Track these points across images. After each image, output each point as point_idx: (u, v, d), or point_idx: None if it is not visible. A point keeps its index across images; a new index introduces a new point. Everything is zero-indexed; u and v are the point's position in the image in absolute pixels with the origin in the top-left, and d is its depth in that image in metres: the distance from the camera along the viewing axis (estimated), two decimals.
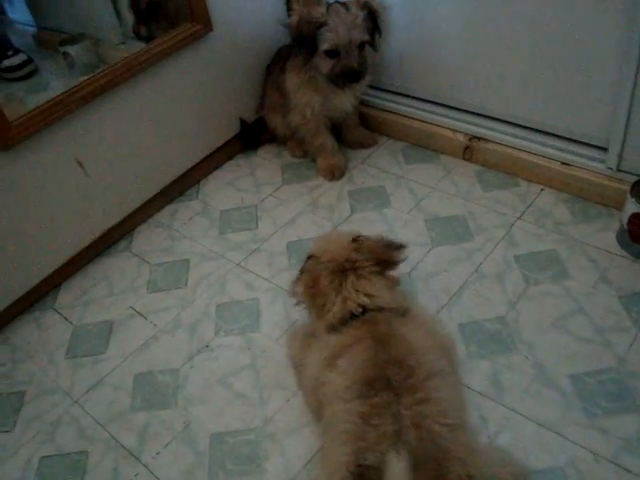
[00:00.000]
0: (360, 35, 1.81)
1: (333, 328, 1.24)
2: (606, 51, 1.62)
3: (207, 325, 1.69)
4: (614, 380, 1.38)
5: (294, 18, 1.86)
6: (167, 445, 1.43)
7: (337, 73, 1.85)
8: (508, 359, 1.47)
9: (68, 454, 1.45)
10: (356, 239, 1.33)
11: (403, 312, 1.26)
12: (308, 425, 1.40)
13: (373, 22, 1.85)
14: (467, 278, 1.68)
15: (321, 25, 1.80)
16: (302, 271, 1.36)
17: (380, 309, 1.24)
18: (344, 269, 1.28)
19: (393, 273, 1.35)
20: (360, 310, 1.23)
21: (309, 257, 1.36)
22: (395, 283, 1.36)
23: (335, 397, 1.12)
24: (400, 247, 1.35)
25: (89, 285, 1.88)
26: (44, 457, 1.45)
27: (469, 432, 1.12)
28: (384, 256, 1.32)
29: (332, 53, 1.84)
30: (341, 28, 1.79)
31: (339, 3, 1.82)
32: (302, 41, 1.86)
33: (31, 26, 2.20)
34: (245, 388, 1.52)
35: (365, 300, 1.24)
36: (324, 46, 1.82)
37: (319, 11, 1.82)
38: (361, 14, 1.81)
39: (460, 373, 1.35)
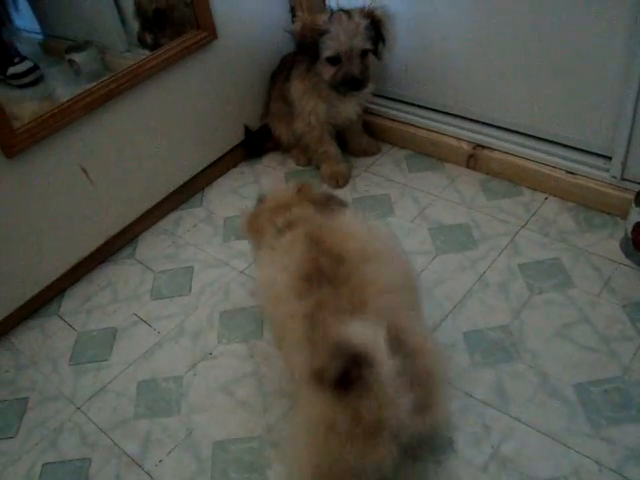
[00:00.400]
0: (362, 43, 1.82)
1: (275, 236, 1.34)
2: (610, 59, 1.63)
3: (210, 332, 1.69)
4: (619, 389, 1.38)
5: (297, 25, 1.87)
6: (170, 452, 1.43)
7: (338, 80, 1.86)
8: (512, 368, 1.46)
9: (71, 461, 1.45)
10: (300, 189, 1.45)
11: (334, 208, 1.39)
12: None
13: (377, 31, 1.86)
14: (471, 286, 1.67)
15: (323, 32, 1.81)
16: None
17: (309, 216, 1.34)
18: (280, 207, 1.40)
19: None
20: (286, 223, 1.34)
21: (259, 200, 1.51)
22: None
23: (282, 299, 1.19)
24: (340, 203, 1.45)
25: (93, 292, 1.88)
26: (47, 464, 1.45)
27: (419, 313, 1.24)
28: (320, 204, 1.41)
29: (333, 60, 1.84)
30: (342, 36, 1.80)
31: (343, 11, 1.83)
32: (304, 48, 1.87)
33: (37, 34, 2.22)
34: (248, 396, 1.51)
35: (290, 217, 1.35)
36: (326, 53, 1.83)
37: (322, 18, 1.83)
38: (364, 22, 1.81)
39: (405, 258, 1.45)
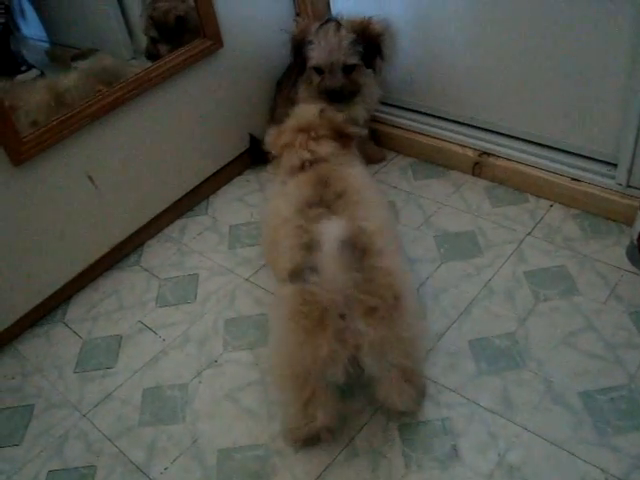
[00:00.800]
0: (343, 58, 1.83)
1: (289, 173, 1.49)
2: (615, 67, 1.63)
3: (216, 340, 1.69)
4: (625, 397, 1.37)
5: (295, 30, 1.90)
6: (175, 460, 1.43)
7: (321, 90, 1.89)
8: (518, 376, 1.46)
9: (76, 468, 1.45)
10: (322, 110, 1.59)
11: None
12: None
13: (370, 45, 1.85)
14: (476, 294, 1.67)
15: (310, 42, 1.83)
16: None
17: (323, 160, 1.49)
18: (303, 130, 1.54)
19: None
20: (302, 162, 1.48)
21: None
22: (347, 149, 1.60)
23: (283, 219, 1.36)
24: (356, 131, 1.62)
25: (99, 299, 1.88)
26: (52, 471, 1.45)
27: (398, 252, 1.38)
28: (338, 127, 1.57)
29: (318, 70, 1.87)
30: (324, 49, 1.82)
31: (336, 22, 1.83)
32: (295, 53, 1.91)
33: (44, 42, 2.23)
34: (253, 404, 1.51)
35: (307, 155, 1.49)
36: (311, 62, 1.86)
37: (315, 26, 1.85)
38: (349, 37, 1.82)
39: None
